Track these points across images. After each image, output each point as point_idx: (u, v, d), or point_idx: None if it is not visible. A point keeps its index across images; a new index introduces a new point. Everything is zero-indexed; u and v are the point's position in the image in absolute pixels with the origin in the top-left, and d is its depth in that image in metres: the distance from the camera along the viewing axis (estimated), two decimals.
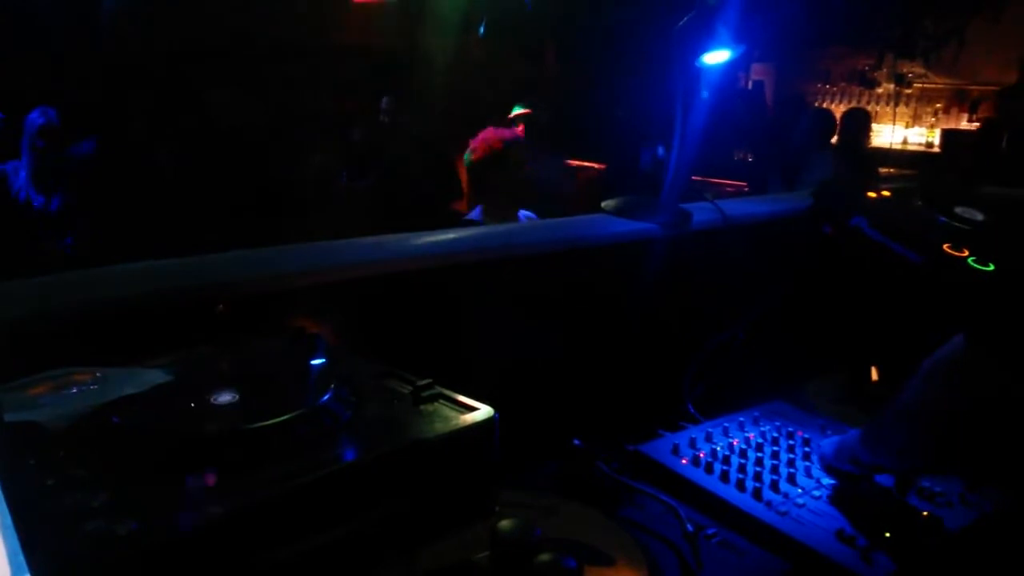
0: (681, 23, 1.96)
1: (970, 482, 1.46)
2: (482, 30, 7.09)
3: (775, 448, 1.58)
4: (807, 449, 1.58)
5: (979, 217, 1.96)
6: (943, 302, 1.76)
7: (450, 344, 1.63)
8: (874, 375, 1.94)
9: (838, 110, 9.02)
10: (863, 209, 2.04)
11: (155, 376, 1.10)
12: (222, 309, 1.52)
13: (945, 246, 1.84)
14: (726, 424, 1.68)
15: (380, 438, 0.98)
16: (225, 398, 1.04)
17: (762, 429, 1.66)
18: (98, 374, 1.12)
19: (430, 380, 1.12)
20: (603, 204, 2.13)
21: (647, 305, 1.90)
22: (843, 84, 9.12)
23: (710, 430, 1.65)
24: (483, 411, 1.05)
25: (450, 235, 1.87)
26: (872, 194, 2.10)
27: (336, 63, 7.07)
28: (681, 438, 1.61)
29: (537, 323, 1.77)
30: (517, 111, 4.55)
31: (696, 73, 2.00)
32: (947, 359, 1.17)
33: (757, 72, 8.67)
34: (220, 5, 6.99)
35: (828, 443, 1.47)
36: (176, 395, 1.06)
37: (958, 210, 1.98)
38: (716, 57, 1.90)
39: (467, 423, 1.02)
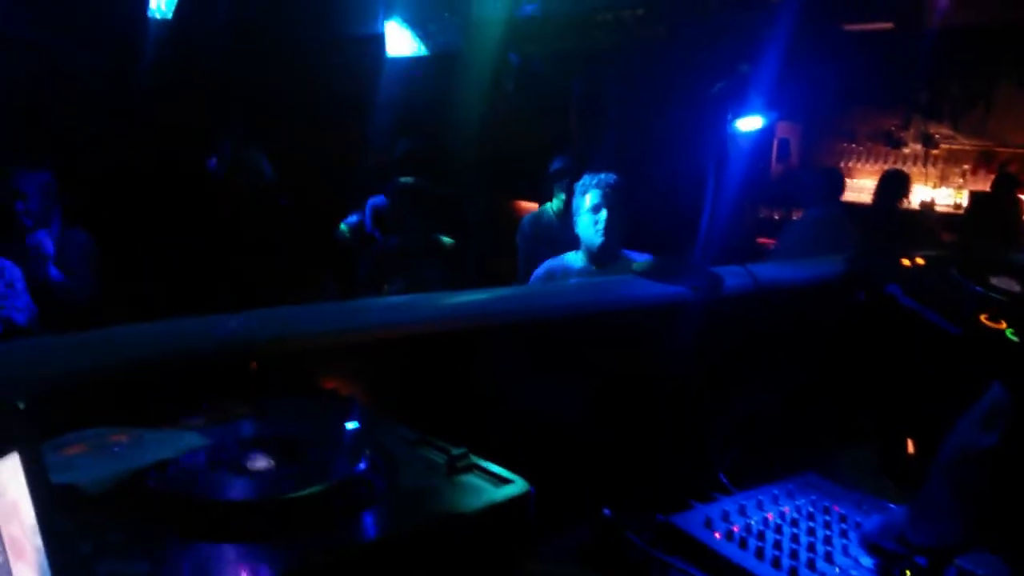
0: (714, 90, 1.98)
1: (1014, 568, 1.42)
2: (511, 85, 7.21)
3: (811, 524, 1.55)
4: (844, 526, 1.54)
5: (1016, 288, 1.93)
6: (980, 374, 1.73)
7: (476, 406, 1.62)
8: (910, 447, 1.90)
9: (864, 170, 9.03)
10: (897, 277, 2.02)
11: (190, 439, 1.10)
12: (255, 368, 1.53)
13: (982, 317, 1.81)
14: (760, 496, 1.64)
15: (416, 511, 0.97)
16: (260, 464, 1.04)
17: (797, 503, 1.63)
18: (133, 435, 1.12)
19: (465, 450, 1.11)
20: (633, 266, 2.13)
21: (678, 370, 1.88)
22: (869, 144, 9.12)
23: (743, 502, 1.61)
24: (518, 485, 1.04)
25: (480, 296, 1.87)
26: (906, 262, 2.09)
27: (371, 116, 7.22)
28: (713, 510, 1.57)
29: (565, 387, 1.75)
30: (558, 166, 4.49)
31: (728, 138, 2.02)
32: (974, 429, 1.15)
33: (783, 130, 8.71)
34: (266, 61, 7.18)
35: (872, 521, 1.43)
36: (211, 460, 1.05)
37: (994, 280, 1.96)
38: (749, 124, 1.91)
39: (502, 497, 1.01)
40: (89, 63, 6.29)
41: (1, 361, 1.27)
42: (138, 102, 6.07)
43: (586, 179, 3.27)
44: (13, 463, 0.66)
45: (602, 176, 3.23)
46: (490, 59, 6.73)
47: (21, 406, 0.69)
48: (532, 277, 3.37)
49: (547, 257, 3.54)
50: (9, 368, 1.24)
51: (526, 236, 4.40)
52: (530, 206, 6.01)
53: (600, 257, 3.17)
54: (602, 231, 3.12)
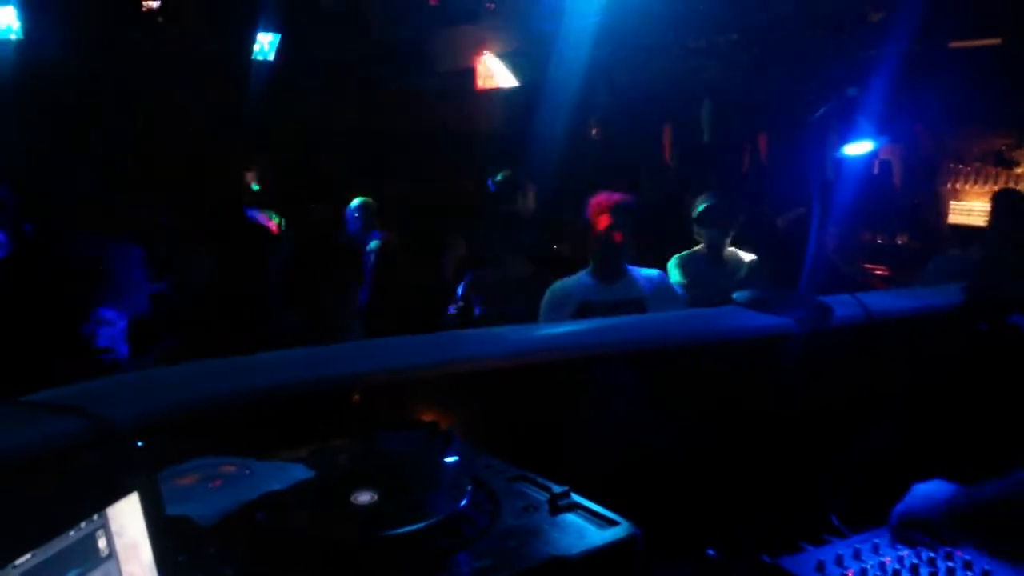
0: (818, 113, 1.91)
1: None
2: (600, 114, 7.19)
3: (932, 569, 1.44)
4: (969, 574, 1.44)
5: None
6: None
7: (574, 440, 1.59)
8: None
9: (972, 191, 8.60)
10: (1021, 306, 1.90)
11: (297, 472, 1.11)
12: (356, 399, 1.54)
13: None
14: (876, 540, 1.55)
15: (518, 552, 0.94)
16: (364, 498, 1.04)
17: (916, 547, 1.52)
18: (243, 466, 1.14)
19: (567, 488, 1.08)
20: (735, 295, 2.06)
21: (785, 405, 1.80)
22: (977, 164, 8.68)
23: (858, 546, 1.52)
24: (623, 527, 1.00)
25: (574, 327, 1.85)
26: None
27: (460, 146, 7.37)
28: (826, 554, 1.49)
29: (666, 421, 1.71)
30: (708, 205, 3.98)
31: (834, 163, 1.95)
32: None
33: (884, 152, 8.40)
34: (349, 99, 7.42)
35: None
36: (318, 493, 1.06)
37: None
38: (857, 148, 1.84)
39: (608, 540, 0.97)
40: (198, 105, 6.65)
41: (115, 392, 1.31)
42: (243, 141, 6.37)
43: (602, 199, 3.33)
44: (133, 503, 0.68)
45: (616, 197, 3.32)
46: (579, 89, 6.74)
47: (140, 445, 0.70)
48: (544, 304, 3.36)
49: (699, 301, 3.49)
50: (124, 399, 1.28)
51: (676, 278, 4.00)
52: None
53: (610, 275, 3.27)
54: (616, 250, 3.24)
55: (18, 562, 0.60)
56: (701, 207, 3.99)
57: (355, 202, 5.56)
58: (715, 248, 3.92)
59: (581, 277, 3.33)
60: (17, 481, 0.84)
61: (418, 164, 7.87)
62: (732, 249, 3.94)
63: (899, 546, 1.53)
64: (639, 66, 6.83)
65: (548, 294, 3.37)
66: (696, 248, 4.06)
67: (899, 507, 1.50)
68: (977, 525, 1.44)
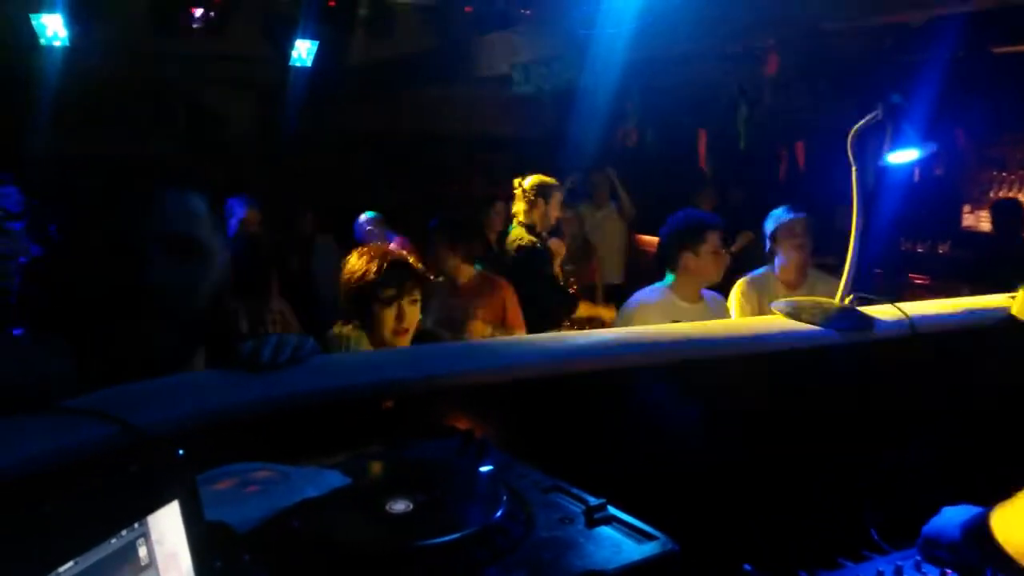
0: (862, 122, 1.87)
1: None
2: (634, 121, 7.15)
3: None
4: None
5: None
6: None
7: (611, 451, 1.57)
8: None
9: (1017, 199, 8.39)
10: None
11: (333, 479, 1.11)
12: (389, 406, 1.54)
13: None
14: (918, 557, 1.51)
15: (554, 566, 0.93)
16: (400, 507, 1.03)
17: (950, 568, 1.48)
18: (280, 472, 1.15)
19: (603, 500, 1.07)
20: (772, 305, 2.04)
21: (823, 418, 1.77)
22: (1021, 172, 8.50)
23: (900, 563, 1.49)
24: (662, 541, 0.99)
25: (610, 336, 1.83)
26: None
27: (489, 151, 7.40)
28: (867, 571, 1.46)
29: (702, 432, 1.68)
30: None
31: (878, 172, 1.91)
32: None
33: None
34: (383, 105, 7.49)
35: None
36: (353, 501, 1.06)
37: None
38: (902, 157, 1.80)
39: (646, 555, 0.96)
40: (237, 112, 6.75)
41: (148, 397, 1.32)
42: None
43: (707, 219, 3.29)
44: (173, 511, 0.68)
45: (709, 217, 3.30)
46: (614, 94, 6.72)
47: (181, 453, 0.70)
48: (627, 318, 3.23)
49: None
50: (157, 404, 1.28)
51: (746, 297, 3.62)
52: (652, 240, 5.93)
53: (689, 294, 3.19)
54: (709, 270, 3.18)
55: (61, 569, 0.61)
56: (782, 220, 3.44)
57: (364, 216, 5.73)
58: (796, 270, 3.43)
59: (660, 292, 3.23)
60: (61, 487, 0.85)
61: (451, 169, 7.91)
62: (814, 271, 3.43)
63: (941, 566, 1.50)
64: (674, 71, 6.79)
65: (630, 308, 3.25)
66: (766, 268, 3.57)
67: (925, 528, 1.48)
68: (991, 544, 1.39)
